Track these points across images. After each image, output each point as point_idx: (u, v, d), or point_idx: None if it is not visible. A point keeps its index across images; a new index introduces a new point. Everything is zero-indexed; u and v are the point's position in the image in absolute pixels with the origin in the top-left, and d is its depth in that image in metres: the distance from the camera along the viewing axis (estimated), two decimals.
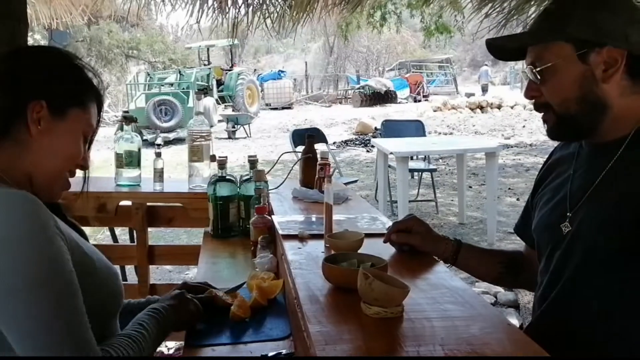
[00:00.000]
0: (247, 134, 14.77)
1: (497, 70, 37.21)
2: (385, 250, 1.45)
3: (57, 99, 1.09)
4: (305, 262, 1.39)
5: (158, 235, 5.16)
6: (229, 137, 14.33)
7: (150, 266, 2.65)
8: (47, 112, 1.07)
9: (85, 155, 1.17)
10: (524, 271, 1.52)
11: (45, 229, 0.98)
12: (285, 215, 1.91)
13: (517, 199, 6.88)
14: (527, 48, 1.27)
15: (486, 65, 27.76)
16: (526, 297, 3.52)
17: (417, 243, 1.44)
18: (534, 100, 1.27)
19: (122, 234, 3.96)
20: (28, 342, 0.93)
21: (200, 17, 3.17)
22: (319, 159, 2.26)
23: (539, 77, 1.22)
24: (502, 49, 1.33)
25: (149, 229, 2.61)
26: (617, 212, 1.15)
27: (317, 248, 1.50)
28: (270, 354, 1.33)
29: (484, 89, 26.26)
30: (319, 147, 2.54)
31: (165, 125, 14.34)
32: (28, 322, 0.93)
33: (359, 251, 1.37)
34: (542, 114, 1.27)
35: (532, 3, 3.33)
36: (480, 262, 1.53)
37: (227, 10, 3.18)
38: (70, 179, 1.17)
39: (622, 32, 1.15)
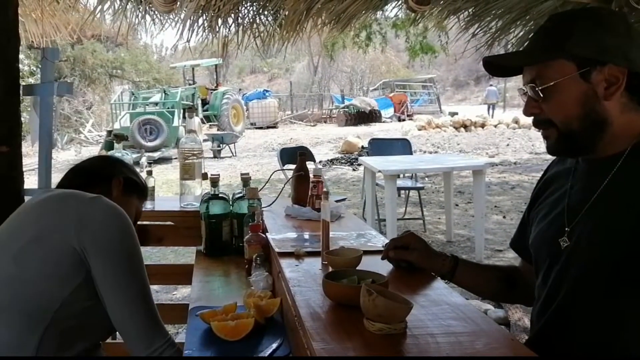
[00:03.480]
0: (232, 153, 14.75)
1: (480, 90, 37.66)
2: (382, 267, 1.45)
3: (130, 183, 1.71)
4: (303, 279, 1.38)
5: (144, 255, 5.08)
6: (215, 157, 14.30)
7: None
8: (121, 187, 1.67)
9: None
10: (520, 286, 1.52)
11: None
12: (279, 233, 1.90)
13: (504, 217, 6.92)
14: (524, 65, 1.28)
15: (492, 85, 27.90)
16: (516, 314, 3.53)
17: (415, 259, 1.44)
18: (533, 117, 1.27)
19: None
20: (130, 305, 1.40)
21: (190, 36, 3.18)
22: (311, 177, 2.26)
23: (541, 95, 1.22)
24: (499, 66, 1.34)
25: None
26: (616, 227, 1.16)
27: (314, 265, 1.50)
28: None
29: (490, 108, 26.15)
30: (311, 165, 2.54)
31: (150, 144, 14.25)
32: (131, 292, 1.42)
33: (357, 268, 1.36)
34: (542, 130, 1.27)
35: (518, 23, 3.38)
36: (477, 278, 1.53)
37: (217, 29, 3.19)
38: None
39: (622, 50, 1.17)
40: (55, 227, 1.39)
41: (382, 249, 1.62)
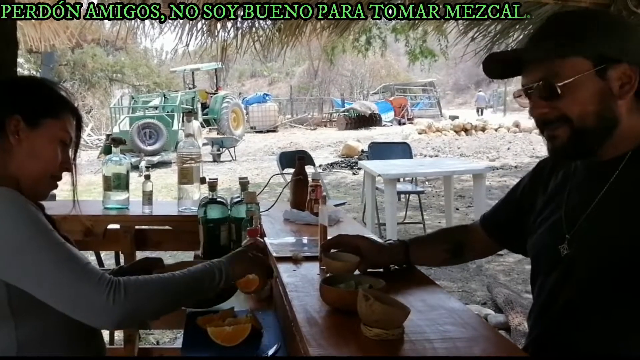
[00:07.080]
0: (232, 157, 14.74)
1: None
2: (380, 273, 1.44)
3: (31, 113, 1.29)
4: (300, 284, 1.37)
5: None
6: (214, 160, 14.29)
7: None
8: (23, 125, 1.27)
9: (66, 159, 1.35)
10: (465, 255, 1.58)
11: (29, 208, 1.19)
12: (277, 237, 1.89)
13: None
14: (525, 65, 1.22)
15: (481, 90, 29.94)
16: (517, 319, 3.52)
17: (364, 268, 1.42)
18: (541, 117, 1.22)
19: (107, 259, 3.90)
20: (46, 285, 1.13)
21: (189, 40, 3.18)
22: (309, 181, 2.25)
23: (559, 91, 1.17)
24: (501, 64, 1.27)
25: (137, 253, 2.57)
26: (616, 234, 1.15)
27: (312, 270, 1.49)
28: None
29: (479, 111, 29.20)
30: (310, 169, 2.53)
31: (149, 148, 14.24)
32: (38, 269, 1.13)
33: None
34: (552, 130, 1.21)
35: (517, 27, 3.38)
36: (426, 252, 1.57)
37: (216, 33, 3.19)
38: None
39: (637, 51, 1.17)
40: None
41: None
